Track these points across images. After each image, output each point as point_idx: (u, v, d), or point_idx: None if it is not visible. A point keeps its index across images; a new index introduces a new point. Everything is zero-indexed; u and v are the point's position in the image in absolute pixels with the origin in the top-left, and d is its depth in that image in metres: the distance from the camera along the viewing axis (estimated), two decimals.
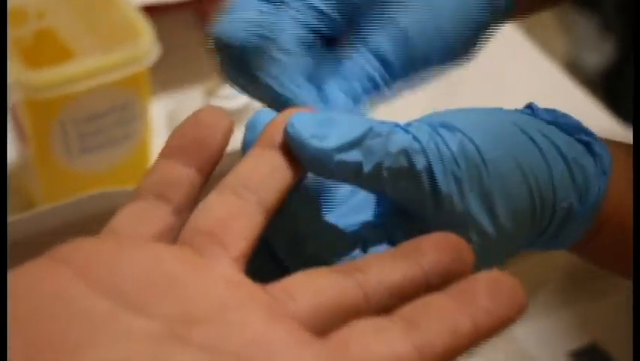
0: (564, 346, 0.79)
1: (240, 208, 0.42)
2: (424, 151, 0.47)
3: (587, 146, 0.52)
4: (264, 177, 0.43)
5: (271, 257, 0.48)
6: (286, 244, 0.47)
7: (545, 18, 1.58)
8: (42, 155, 0.84)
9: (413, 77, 0.54)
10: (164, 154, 0.44)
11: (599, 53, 1.56)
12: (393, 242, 0.48)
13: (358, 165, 0.45)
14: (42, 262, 0.37)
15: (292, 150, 0.44)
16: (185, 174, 0.43)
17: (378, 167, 0.46)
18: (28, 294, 0.36)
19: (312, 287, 0.39)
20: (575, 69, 1.49)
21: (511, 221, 0.49)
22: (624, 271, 0.56)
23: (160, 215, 0.42)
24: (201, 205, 0.42)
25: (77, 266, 0.37)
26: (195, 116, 0.44)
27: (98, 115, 0.84)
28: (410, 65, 0.53)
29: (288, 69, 0.50)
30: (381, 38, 0.53)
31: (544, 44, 1.17)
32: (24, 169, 0.89)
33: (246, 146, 0.47)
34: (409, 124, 0.48)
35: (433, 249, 0.41)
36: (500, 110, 0.52)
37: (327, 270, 0.40)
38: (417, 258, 0.41)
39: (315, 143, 0.44)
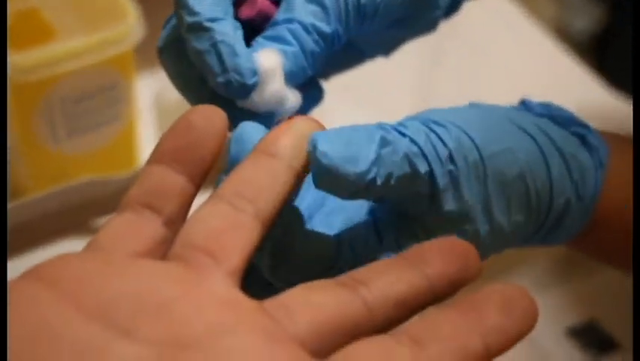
0: (562, 323, 0.78)
1: (235, 220, 0.39)
2: (423, 154, 0.45)
3: (582, 139, 0.51)
4: (263, 187, 0.41)
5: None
6: (268, 257, 0.45)
7: None
8: (26, 139, 0.83)
9: (368, 29, 0.52)
10: (154, 160, 0.42)
11: (588, 18, 1.55)
12: (381, 240, 0.47)
13: (374, 180, 0.44)
14: (29, 285, 0.36)
15: (321, 176, 0.42)
16: (176, 183, 0.41)
17: (388, 177, 0.44)
18: (17, 322, 0.34)
19: (312, 304, 0.37)
20: (564, 34, 1.48)
21: (508, 219, 0.48)
22: (623, 265, 0.55)
23: (150, 228, 0.40)
24: (194, 215, 0.40)
25: (66, 289, 0.35)
26: (187, 118, 0.42)
27: (83, 97, 0.82)
28: (355, 11, 0.51)
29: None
30: None
31: (532, 9, 1.16)
32: (9, 154, 0.87)
33: (232, 159, 0.45)
34: (402, 124, 0.46)
35: (438, 257, 0.40)
36: (493, 106, 0.51)
37: (327, 283, 0.39)
38: (422, 267, 0.39)
39: (352, 169, 0.43)
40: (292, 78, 0.49)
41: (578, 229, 0.51)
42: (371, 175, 0.43)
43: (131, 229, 0.40)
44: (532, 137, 0.49)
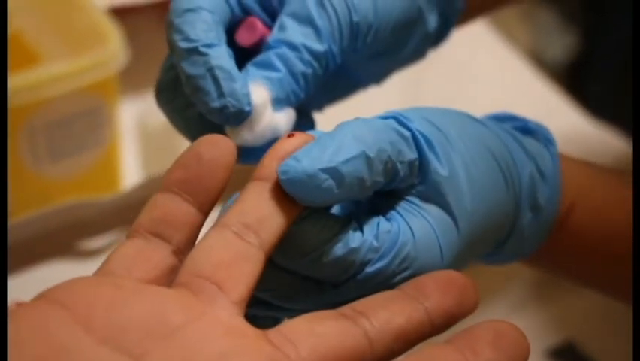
0: (541, 344, 0.79)
1: (241, 251, 0.40)
2: (398, 121, 0.46)
3: (523, 129, 0.53)
4: (266, 217, 0.41)
5: None
6: None
7: (508, 8, 1.58)
8: (9, 163, 0.83)
9: (362, 51, 0.53)
10: (165, 188, 0.42)
11: (562, 45, 1.56)
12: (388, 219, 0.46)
13: (362, 155, 0.43)
14: (41, 306, 0.36)
15: (293, 189, 0.42)
16: (186, 213, 0.42)
17: (380, 151, 0.44)
18: (30, 343, 0.35)
19: (314, 334, 0.38)
20: (538, 60, 1.49)
21: (489, 186, 0.48)
22: (586, 279, 0.57)
23: (159, 255, 0.41)
24: (201, 244, 0.40)
25: (77, 312, 0.36)
26: (196, 148, 0.42)
27: (66, 121, 0.83)
28: (348, 29, 0.51)
29: (206, 21, 0.49)
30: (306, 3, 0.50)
31: (508, 35, 1.17)
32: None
33: None
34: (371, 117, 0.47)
35: (437, 290, 0.41)
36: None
37: (329, 314, 0.39)
38: (421, 299, 0.41)
39: (315, 165, 0.42)
40: (280, 104, 0.50)
41: (548, 227, 0.52)
42: (347, 155, 0.43)
43: (140, 255, 0.41)
44: (482, 123, 0.50)
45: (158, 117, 0.83)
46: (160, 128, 0.84)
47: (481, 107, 0.98)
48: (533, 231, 0.52)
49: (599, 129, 0.98)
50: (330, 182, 0.42)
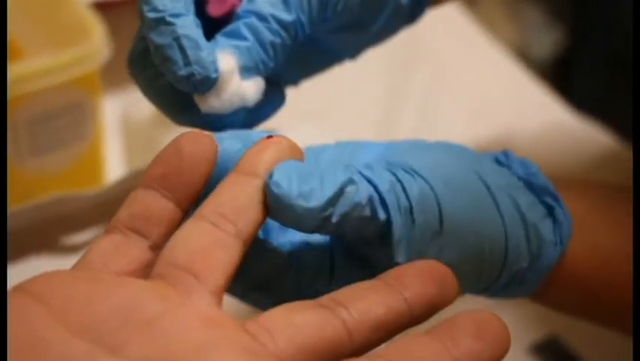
0: (524, 340, 0.79)
1: (217, 239, 0.40)
2: (384, 202, 0.45)
3: (550, 210, 0.51)
4: (242, 207, 0.41)
5: None
6: None
7: (492, 4, 1.58)
8: None
9: (331, 22, 0.53)
10: (143, 185, 0.42)
11: (548, 42, 1.57)
12: (330, 281, 0.47)
13: (328, 218, 0.44)
14: (17, 299, 0.36)
15: (274, 207, 0.42)
16: (164, 209, 0.42)
17: (345, 216, 0.44)
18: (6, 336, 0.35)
19: (292, 325, 0.38)
20: (524, 56, 1.50)
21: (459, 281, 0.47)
22: (582, 317, 0.56)
23: (137, 250, 0.41)
24: (177, 235, 0.40)
25: (53, 305, 0.36)
26: (176, 144, 0.42)
27: (48, 116, 0.83)
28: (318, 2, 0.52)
29: None
30: None
31: (494, 31, 1.17)
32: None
33: (213, 179, 0.45)
34: (369, 167, 0.47)
35: (417, 280, 0.41)
36: (471, 155, 0.51)
37: (308, 304, 0.39)
38: (400, 289, 0.40)
39: (303, 203, 0.42)
40: (249, 72, 0.50)
41: (527, 293, 0.52)
42: (325, 213, 0.43)
43: (118, 250, 0.41)
44: (499, 205, 0.49)
45: (141, 112, 0.84)
46: (143, 123, 0.84)
47: (468, 104, 0.99)
48: (491, 297, 0.53)
49: (586, 125, 0.98)
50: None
